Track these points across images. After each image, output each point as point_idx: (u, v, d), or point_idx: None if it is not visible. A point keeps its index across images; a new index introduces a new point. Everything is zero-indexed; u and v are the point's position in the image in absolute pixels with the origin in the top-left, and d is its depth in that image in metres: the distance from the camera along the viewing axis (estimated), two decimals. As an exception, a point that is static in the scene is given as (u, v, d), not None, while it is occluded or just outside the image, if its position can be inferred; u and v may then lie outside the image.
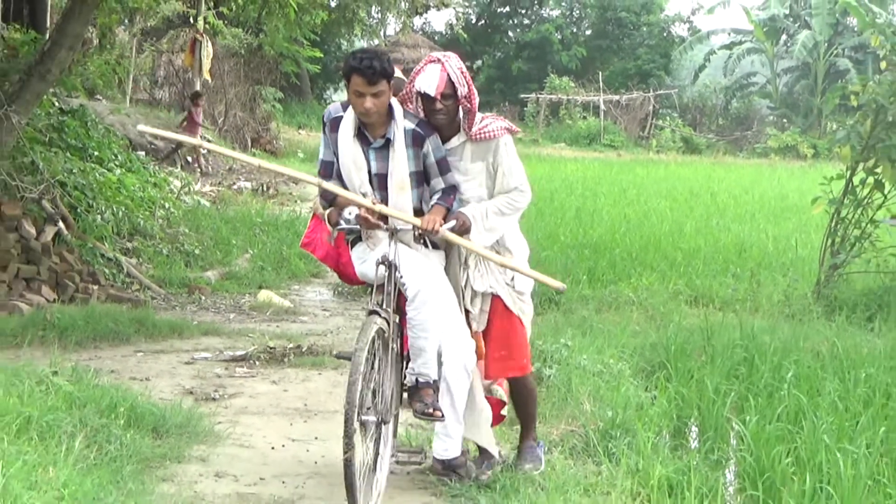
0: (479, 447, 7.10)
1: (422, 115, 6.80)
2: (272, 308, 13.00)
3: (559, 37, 57.74)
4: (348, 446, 5.98)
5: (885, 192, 13.35)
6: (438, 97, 6.62)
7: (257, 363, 10.20)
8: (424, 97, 6.67)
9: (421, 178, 6.79)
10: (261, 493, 6.86)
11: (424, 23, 59.36)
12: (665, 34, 59.50)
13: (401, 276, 6.49)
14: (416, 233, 6.60)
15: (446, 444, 6.75)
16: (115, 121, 24.54)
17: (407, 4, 34.91)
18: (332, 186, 6.65)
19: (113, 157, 18.16)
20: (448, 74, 6.67)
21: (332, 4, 28.22)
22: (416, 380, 6.58)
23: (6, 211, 13.39)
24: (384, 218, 6.54)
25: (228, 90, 32.78)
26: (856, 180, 13.48)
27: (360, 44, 44.10)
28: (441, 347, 6.55)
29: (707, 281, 14.32)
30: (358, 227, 6.57)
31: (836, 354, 9.60)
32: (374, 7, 34.45)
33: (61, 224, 14.09)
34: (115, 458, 6.94)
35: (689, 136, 50.23)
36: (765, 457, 7.04)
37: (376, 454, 6.57)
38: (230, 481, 7.08)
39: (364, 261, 6.80)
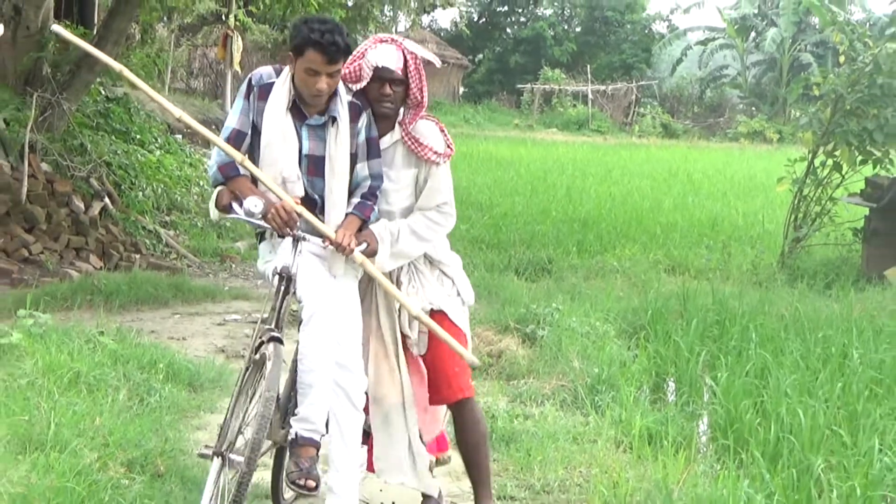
0: (423, 496, 5.53)
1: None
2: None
3: (552, 33, 57.54)
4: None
5: (843, 172, 13.38)
6: (399, 74, 5.13)
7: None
8: (382, 72, 5.12)
9: (353, 160, 5.22)
10: (285, 440, 6.86)
11: (431, 20, 59.21)
12: (646, 31, 59.36)
13: (295, 292, 5.01)
14: (325, 245, 5.03)
15: (339, 495, 5.04)
16: (155, 107, 24.46)
17: (416, 3, 34.77)
18: (253, 168, 5.01)
19: (153, 140, 18.18)
20: (405, 55, 5.18)
21: (349, 3, 28.09)
22: (297, 434, 4.90)
23: (58, 188, 13.41)
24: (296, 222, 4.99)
25: (257, 80, 32.96)
26: (817, 162, 13.50)
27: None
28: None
29: (683, 252, 14.32)
30: (259, 223, 4.98)
31: (798, 318, 9.59)
32: (386, 6, 34.39)
33: (107, 199, 14.11)
34: (155, 408, 6.95)
35: (668, 122, 50.07)
36: (734, 409, 7.04)
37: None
38: (257, 429, 7.07)
39: (267, 261, 5.24)
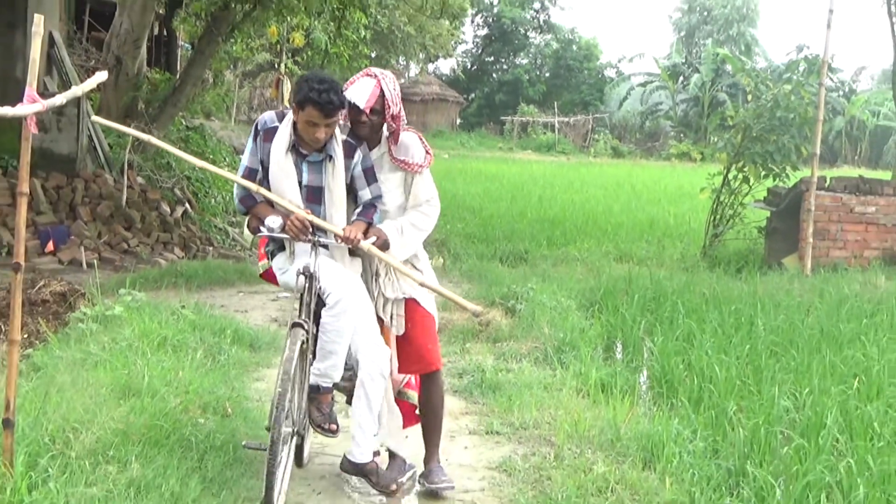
0: (389, 452, 5.16)
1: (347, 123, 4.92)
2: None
3: (527, 77, 57.49)
4: (273, 456, 4.27)
5: (750, 184, 13.36)
6: (367, 111, 4.75)
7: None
8: (352, 108, 4.77)
9: (349, 190, 4.89)
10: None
11: (435, 67, 59.01)
12: (600, 75, 59.24)
13: (320, 287, 4.64)
14: (337, 242, 4.69)
15: (361, 447, 4.78)
16: (224, 135, 24.55)
17: (423, 55, 34.78)
18: (267, 193, 4.74)
19: (223, 159, 18.24)
20: (382, 90, 4.77)
21: (373, 55, 28.09)
22: (318, 385, 4.73)
23: (150, 196, 13.44)
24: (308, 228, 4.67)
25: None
26: (730, 176, 13.48)
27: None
28: (357, 354, 4.72)
29: (628, 245, 14.30)
30: (281, 235, 4.70)
31: (716, 295, 9.59)
32: (401, 57, 34.42)
33: (187, 205, 14.14)
34: (224, 364, 6.94)
35: (616, 145, 50.04)
36: (667, 365, 7.03)
37: (288, 460, 4.68)
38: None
39: (285, 271, 4.91)
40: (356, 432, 4.80)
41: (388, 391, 4.97)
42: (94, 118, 5.25)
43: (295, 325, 4.54)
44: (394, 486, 4.88)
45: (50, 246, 11.70)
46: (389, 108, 4.79)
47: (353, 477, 5.01)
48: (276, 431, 4.27)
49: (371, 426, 4.79)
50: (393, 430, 5.07)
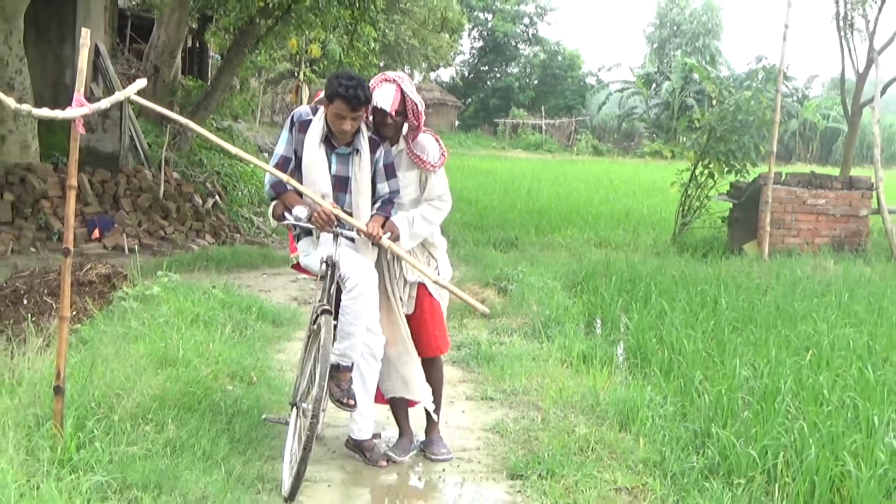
0: (399, 428, 5.08)
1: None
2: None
3: (518, 84, 57.22)
4: (313, 428, 4.19)
5: (715, 179, 13.35)
6: (393, 113, 4.63)
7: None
8: (378, 111, 4.64)
9: (373, 181, 4.76)
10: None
11: (436, 75, 58.63)
12: (582, 83, 58.94)
13: (340, 273, 4.51)
14: (360, 236, 4.59)
15: (359, 424, 4.81)
16: (250, 135, 24.48)
17: (426, 64, 34.69)
18: (298, 185, 4.54)
19: (248, 157, 18.17)
20: (403, 93, 4.64)
21: (381, 65, 28.00)
22: (338, 364, 4.55)
23: (185, 189, 13.42)
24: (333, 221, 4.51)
25: (318, 117, 32.90)
26: (697, 172, 13.45)
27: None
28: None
29: (607, 232, 14.27)
30: (307, 225, 4.52)
31: (684, 277, 9.58)
32: (405, 66, 34.31)
33: (217, 197, 14.11)
34: (249, 338, 6.95)
35: (596, 145, 49.86)
36: (641, 338, 7.02)
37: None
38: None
39: (308, 254, 4.77)
40: (354, 412, 4.76)
41: (416, 359, 4.90)
42: (135, 98, 4.84)
43: (324, 311, 4.44)
44: (383, 463, 4.81)
45: (96, 233, 11.69)
46: (412, 107, 4.68)
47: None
48: (317, 407, 4.20)
49: (367, 406, 4.76)
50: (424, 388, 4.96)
